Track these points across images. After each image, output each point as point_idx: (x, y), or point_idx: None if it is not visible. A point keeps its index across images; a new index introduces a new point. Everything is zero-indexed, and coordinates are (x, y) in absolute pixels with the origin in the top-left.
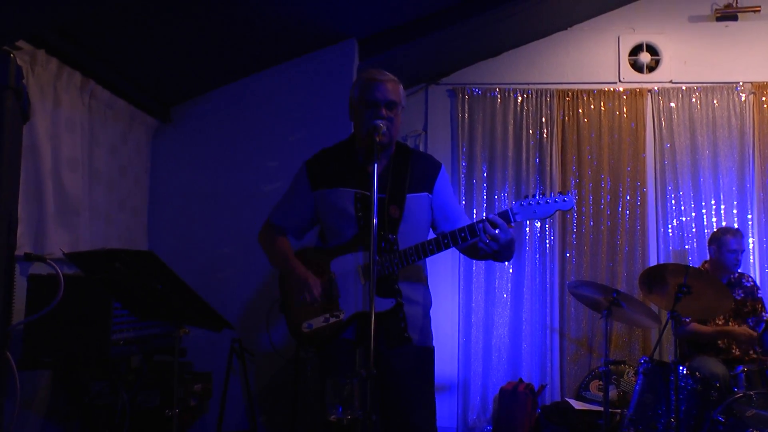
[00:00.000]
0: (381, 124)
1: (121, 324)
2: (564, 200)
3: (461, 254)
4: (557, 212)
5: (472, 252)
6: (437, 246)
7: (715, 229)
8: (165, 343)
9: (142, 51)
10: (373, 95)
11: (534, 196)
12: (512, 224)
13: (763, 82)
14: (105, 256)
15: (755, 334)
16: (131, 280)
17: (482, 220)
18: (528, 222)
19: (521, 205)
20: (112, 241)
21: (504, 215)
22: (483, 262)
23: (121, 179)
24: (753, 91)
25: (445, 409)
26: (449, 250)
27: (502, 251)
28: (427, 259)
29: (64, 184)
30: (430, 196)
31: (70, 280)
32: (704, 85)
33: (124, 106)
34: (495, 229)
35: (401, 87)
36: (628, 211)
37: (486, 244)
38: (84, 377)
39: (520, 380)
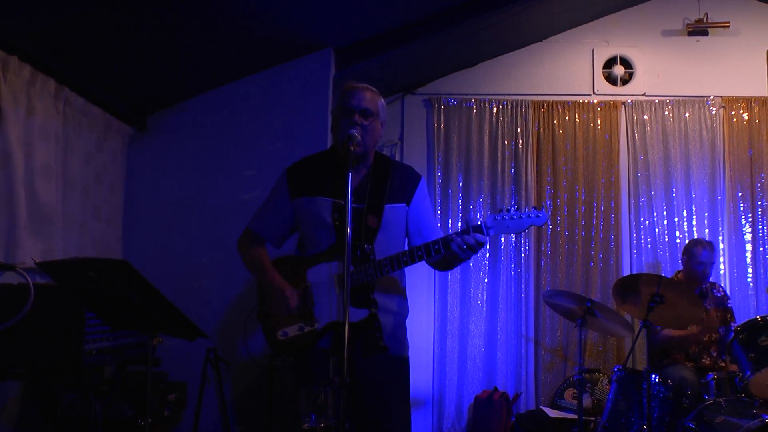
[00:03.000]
0: (356, 133)
1: (94, 334)
2: (537, 216)
3: None
4: (530, 227)
5: (437, 263)
6: (411, 258)
7: (687, 241)
8: (139, 352)
9: (118, 59)
10: (348, 102)
11: (508, 210)
12: (485, 237)
13: (733, 97)
14: (78, 265)
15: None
16: (105, 290)
17: (458, 234)
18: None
19: (495, 219)
20: (87, 250)
21: (478, 229)
22: (459, 271)
23: (96, 187)
24: (723, 105)
25: (421, 418)
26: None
27: (467, 259)
28: (409, 268)
29: (37, 193)
30: (407, 207)
31: (42, 290)
32: (676, 98)
33: (100, 113)
34: (470, 238)
35: (381, 100)
36: (602, 222)
37: (461, 250)
38: (56, 388)
39: (495, 389)
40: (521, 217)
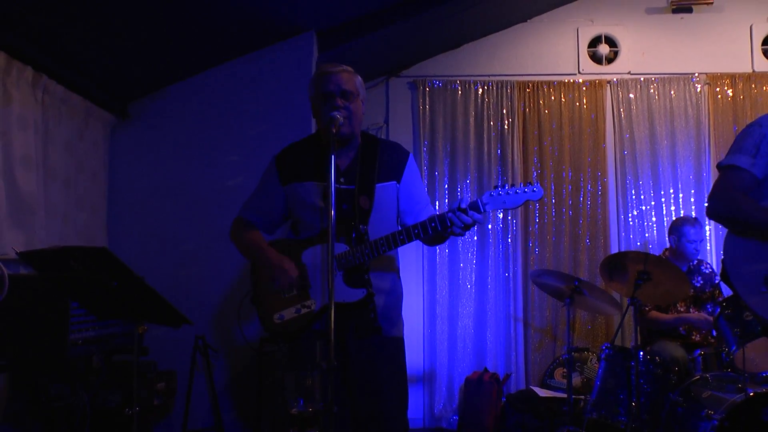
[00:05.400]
0: (338, 115)
1: (79, 323)
2: (533, 190)
3: (425, 246)
4: (526, 202)
5: (431, 240)
6: (408, 236)
7: (674, 218)
8: (125, 341)
9: (96, 45)
10: (326, 87)
11: (504, 186)
12: (481, 213)
13: (717, 73)
14: (58, 253)
15: (711, 318)
16: (87, 278)
17: (453, 211)
18: (491, 212)
19: (491, 195)
20: (70, 240)
21: (474, 206)
22: (447, 253)
23: (78, 177)
24: (708, 81)
25: (412, 401)
26: (413, 243)
27: (462, 235)
28: (399, 250)
29: (18, 183)
30: (398, 185)
31: (25, 280)
32: (662, 76)
33: (80, 101)
34: (467, 218)
35: (358, 78)
36: (589, 201)
37: (458, 229)
38: (42, 379)
39: (485, 370)
40: (517, 192)
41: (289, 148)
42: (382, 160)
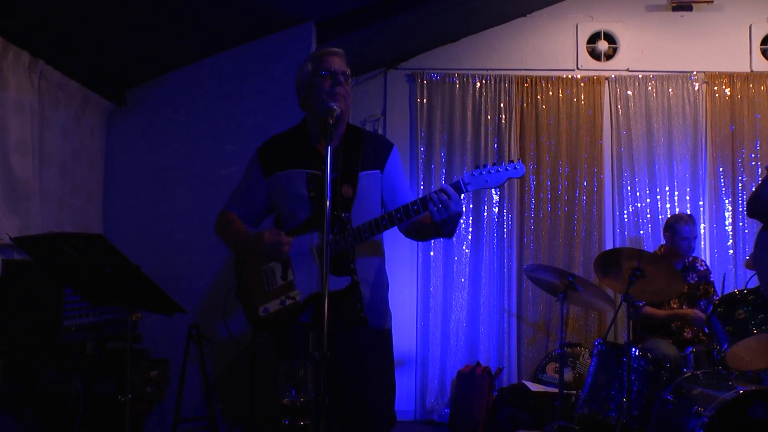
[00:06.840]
0: (335, 107)
1: (73, 310)
2: (515, 168)
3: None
4: (509, 180)
5: (415, 231)
6: (390, 221)
7: (669, 216)
8: (119, 329)
9: (95, 31)
10: (330, 66)
11: (485, 165)
12: (464, 193)
13: (715, 72)
14: (54, 239)
15: (703, 315)
16: (82, 265)
17: (436, 192)
18: (486, 207)
19: (472, 175)
20: (66, 227)
21: (456, 185)
22: (441, 247)
23: (74, 163)
24: (706, 80)
25: (404, 393)
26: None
27: (448, 222)
28: (385, 245)
29: (13, 169)
30: (381, 174)
31: (20, 266)
32: (660, 73)
33: (77, 87)
34: (447, 198)
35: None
36: (585, 197)
37: (437, 209)
38: (36, 365)
39: (478, 363)
40: (498, 171)
41: (271, 139)
42: (366, 149)
